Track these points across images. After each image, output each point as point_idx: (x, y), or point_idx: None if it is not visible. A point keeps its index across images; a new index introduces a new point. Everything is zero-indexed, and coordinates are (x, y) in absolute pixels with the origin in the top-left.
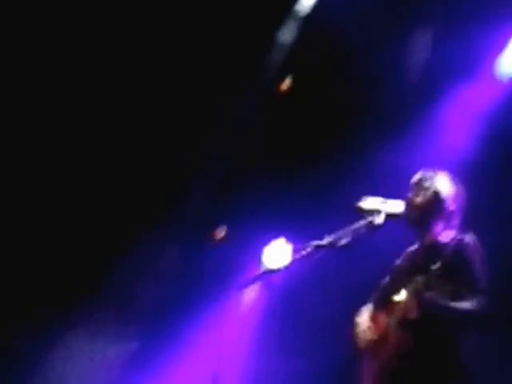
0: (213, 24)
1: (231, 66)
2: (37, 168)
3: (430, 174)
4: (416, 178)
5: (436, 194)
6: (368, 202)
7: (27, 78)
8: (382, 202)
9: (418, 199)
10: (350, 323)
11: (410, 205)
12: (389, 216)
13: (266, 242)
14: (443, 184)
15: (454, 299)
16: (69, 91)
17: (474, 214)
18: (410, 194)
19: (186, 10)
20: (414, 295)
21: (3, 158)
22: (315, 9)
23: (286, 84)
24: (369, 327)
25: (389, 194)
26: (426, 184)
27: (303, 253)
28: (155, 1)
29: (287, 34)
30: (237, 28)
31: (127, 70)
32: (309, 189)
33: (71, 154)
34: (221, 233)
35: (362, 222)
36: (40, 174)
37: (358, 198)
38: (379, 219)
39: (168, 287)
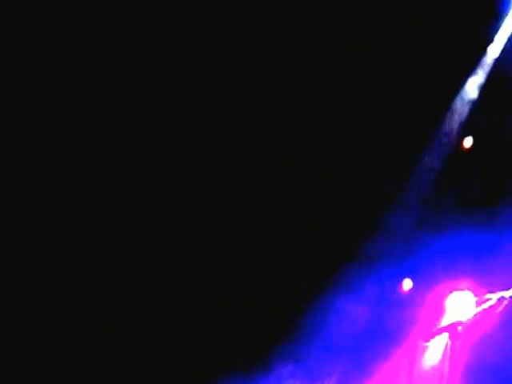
0: (406, 79)
1: (418, 120)
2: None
3: None
4: None
5: None
6: None
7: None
8: None
9: None
10: None
11: None
12: None
13: (449, 294)
14: None
15: None
16: None
17: None
18: None
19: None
20: None
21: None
22: (498, 66)
23: (468, 142)
24: None
25: None
26: None
27: (487, 304)
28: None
29: (471, 90)
30: (426, 79)
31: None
32: (491, 239)
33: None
34: (407, 285)
35: None
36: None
37: None
38: None
39: (351, 340)
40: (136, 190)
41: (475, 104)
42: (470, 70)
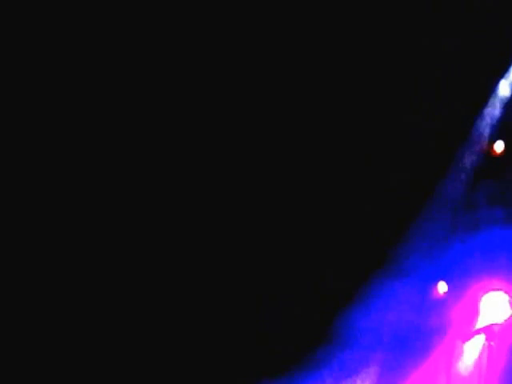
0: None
1: (450, 122)
2: None
3: None
4: None
5: None
6: None
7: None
8: None
9: None
10: None
11: None
12: None
13: (484, 295)
14: None
15: None
16: None
17: None
18: None
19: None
20: None
21: None
22: None
23: (500, 146)
24: None
25: None
26: None
27: None
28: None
29: (504, 91)
30: (458, 81)
31: None
32: None
33: None
34: (443, 288)
35: None
36: None
37: None
38: None
39: (389, 342)
40: (136, 189)
41: (508, 105)
42: (503, 71)
